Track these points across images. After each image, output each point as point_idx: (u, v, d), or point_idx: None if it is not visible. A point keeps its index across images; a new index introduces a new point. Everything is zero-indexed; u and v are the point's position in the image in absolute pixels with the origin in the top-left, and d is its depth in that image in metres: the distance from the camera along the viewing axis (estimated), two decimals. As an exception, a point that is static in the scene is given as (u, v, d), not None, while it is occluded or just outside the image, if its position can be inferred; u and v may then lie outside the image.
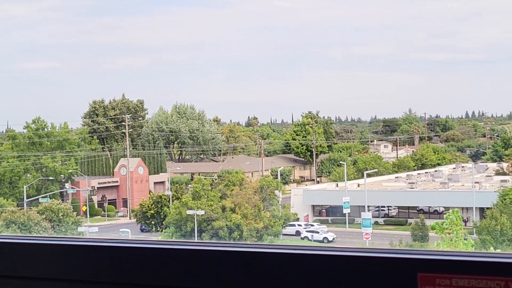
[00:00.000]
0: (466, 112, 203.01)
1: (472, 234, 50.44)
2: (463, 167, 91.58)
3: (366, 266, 1.88)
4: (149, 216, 60.07)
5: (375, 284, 1.87)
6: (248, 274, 2.01)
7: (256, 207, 53.60)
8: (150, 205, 60.48)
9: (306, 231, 60.78)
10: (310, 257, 1.95)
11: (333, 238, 58.82)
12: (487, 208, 55.58)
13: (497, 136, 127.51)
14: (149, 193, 73.77)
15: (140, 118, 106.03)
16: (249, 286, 2.01)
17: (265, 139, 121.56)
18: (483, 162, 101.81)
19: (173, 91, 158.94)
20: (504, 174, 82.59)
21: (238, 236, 51.38)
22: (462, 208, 57.72)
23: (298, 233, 61.65)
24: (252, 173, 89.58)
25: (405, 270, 1.85)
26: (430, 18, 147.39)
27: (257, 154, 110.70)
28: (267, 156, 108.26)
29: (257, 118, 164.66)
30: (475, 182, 66.25)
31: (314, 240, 58.36)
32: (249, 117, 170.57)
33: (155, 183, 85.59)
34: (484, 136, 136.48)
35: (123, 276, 2.17)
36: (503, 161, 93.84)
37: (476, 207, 61.46)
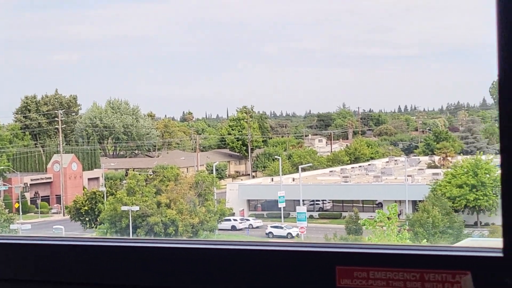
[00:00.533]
0: (399, 106, 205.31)
1: (408, 231, 51.16)
2: (396, 160, 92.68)
3: (286, 260, 1.90)
4: (83, 213, 59.49)
5: (294, 278, 1.89)
6: (181, 270, 2.00)
7: (191, 202, 53.50)
8: (84, 201, 59.90)
9: (271, 227, 60.89)
10: (229, 252, 1.96)
11: (297, 234, 58.79)
12: (420, 201, 56.39)
13: (429, 130, 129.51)
14: (83, 189, 73.00)
15: (74, 114, 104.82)
16: (182, 282, 2.01)
17: (200, 134, 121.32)
18: (415, 156, 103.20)
19: (107, 86, 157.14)
20: (435, 167, 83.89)
21: (174, 232, 51.21)
22: (395, 201, 58.48)
23: (233, 227, 61.71)
24: (187, 168, 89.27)
25: (324, 263, 1.87)
26: (363, 13, 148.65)
27: (192, 149, 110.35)
28: (202, 151, 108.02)
29: (192, 113, 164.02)
30: (408, 175, 67.16)
31: (279, 236, 58.37)
32: (184, 112, 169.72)
33: (89, 179, 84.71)
34: (416, 130, 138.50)
35: (58, 274, 2.14)
36: (434, 154, 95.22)
37: (409, 200, 62.32)
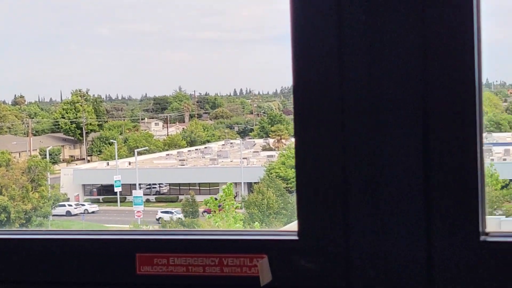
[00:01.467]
0: (234, 89, 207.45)
1: (241, 208, 51.88)
2: (231, 143, 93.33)
3: (84, 249, 1.89)
4: None
5: (94, 266, 1.88)
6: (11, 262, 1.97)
7: (24, 188, 52.18)
8: None
9: (161, 212, 59.53)
10: (35, 242, 1.95)
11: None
12: (255, 182, 57.19)
13: (263, 113, 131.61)
14: None
15: None
16: (12, 274, 1.97)
17: (32, 118, 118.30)
18: (251, 139, 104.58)
19: None
20: (270, 149, 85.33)
21: (6, 219, 49.82)
22: (232, 183, 59.10)
23: (68, 213, 60.54)
24: (19, 153, 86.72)
25: (124, 251, 1.88)
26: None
27: (24, 134, 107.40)
28: (35, 135, 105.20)
29: (24, 97, 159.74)
30: (243, 158, 67.96)
31: (169, 221, 57.34)
32: (15, 95, 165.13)
33: None
34: (252, 113, 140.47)
35: None
36: (269, 137, 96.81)
37: (244, 182, 63.08)
